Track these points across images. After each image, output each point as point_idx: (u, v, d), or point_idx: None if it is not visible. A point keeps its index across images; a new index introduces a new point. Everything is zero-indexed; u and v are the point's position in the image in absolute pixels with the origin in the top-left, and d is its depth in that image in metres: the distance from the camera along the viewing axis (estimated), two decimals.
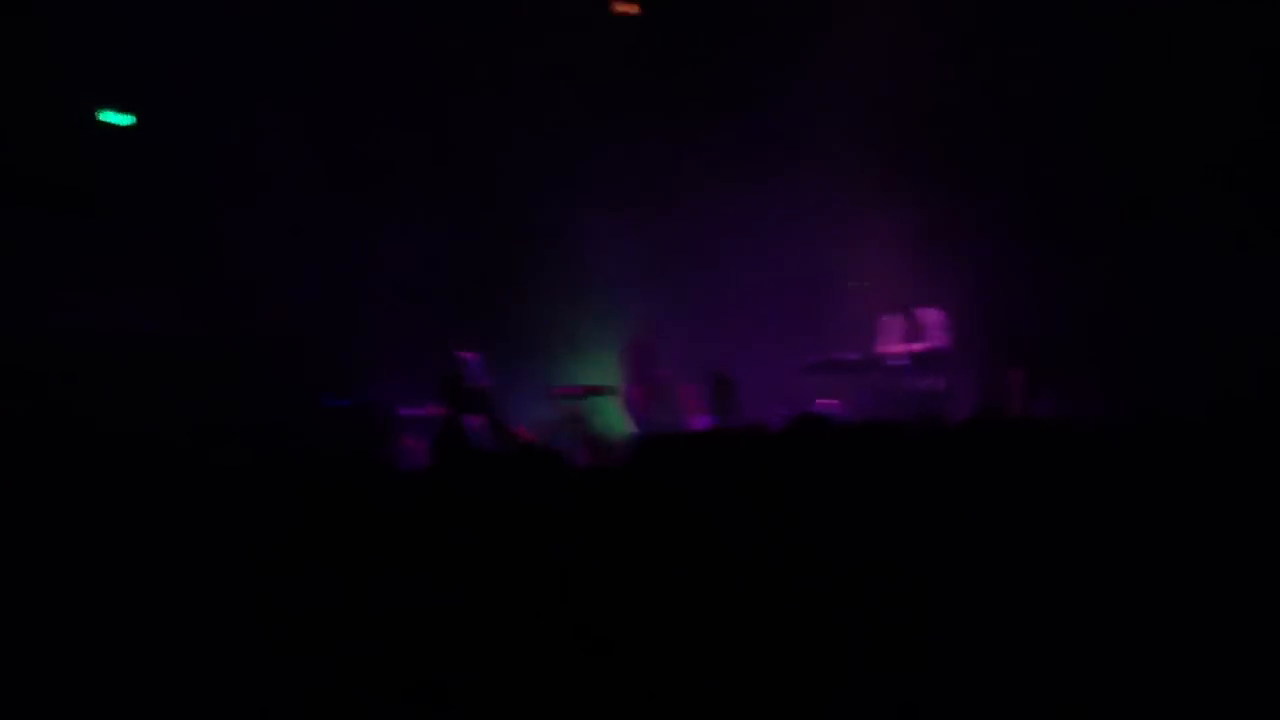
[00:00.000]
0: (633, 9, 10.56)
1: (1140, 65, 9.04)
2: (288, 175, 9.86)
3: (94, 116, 9.39)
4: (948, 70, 9.75)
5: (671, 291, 10.63)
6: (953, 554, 3.35)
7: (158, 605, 2.91)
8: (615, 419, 10.06)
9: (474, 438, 8.92)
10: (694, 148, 10.47)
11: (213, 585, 2.98)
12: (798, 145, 10.17)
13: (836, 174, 9.95)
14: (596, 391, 10.20)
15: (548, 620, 2.88)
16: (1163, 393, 8.10)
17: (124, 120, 9.41)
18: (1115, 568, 3.20)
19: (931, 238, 9.74)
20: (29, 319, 8.74)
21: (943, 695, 2.83)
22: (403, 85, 10.28)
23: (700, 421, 9.30)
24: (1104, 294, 9.17)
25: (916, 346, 9.15)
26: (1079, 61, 9.30)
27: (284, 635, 2.83)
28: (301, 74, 9.86)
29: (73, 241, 9.21)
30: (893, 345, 9.32)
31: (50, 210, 9.05)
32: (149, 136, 9.54)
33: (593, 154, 10.71)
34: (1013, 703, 2.82)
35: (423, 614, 2.87)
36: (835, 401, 9.17)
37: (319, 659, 2.79)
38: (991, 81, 9.72)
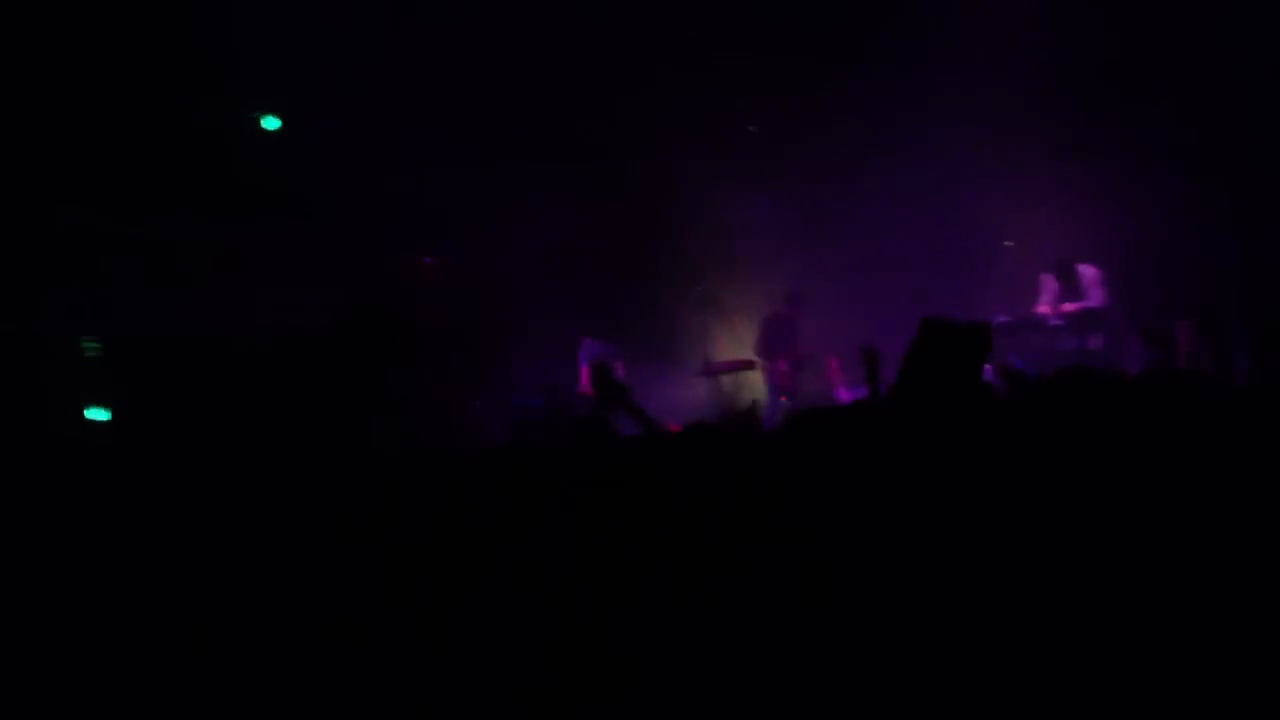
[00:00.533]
0: None
1: None
2: (437, 166, 10.10)
3: (258, 123, 9.75)
4: (1108, 23, 9.43)
5: (818, 262, 10.56)
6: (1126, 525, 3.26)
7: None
8: (762, 393, 10.08)
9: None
10: (837, 113, 10.35)
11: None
12: (946, 106, 9.94)
13: (991, 133, 9.75)
14: (746, 366, 10.22)
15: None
16: None
17: (275, 124, 9.75)
18: None
19: (1093, 193, 9.46)
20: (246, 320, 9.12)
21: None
22: (538, 67, 10.30)
23: (846, 394, 9.25)
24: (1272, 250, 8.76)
25: (1074, 305, 8.92)
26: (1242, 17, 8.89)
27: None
28: (445, 65, 10.02)
29: (267, 244, 9.61)
30: (1049, 305, 9.11)
31: (244, 216, 9.37)
32: (306, 138, 9.83)
33: (736, 124, 10.66)
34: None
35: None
36: (988, 366, 8.99)
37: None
38: (1155, 34, 9.35)
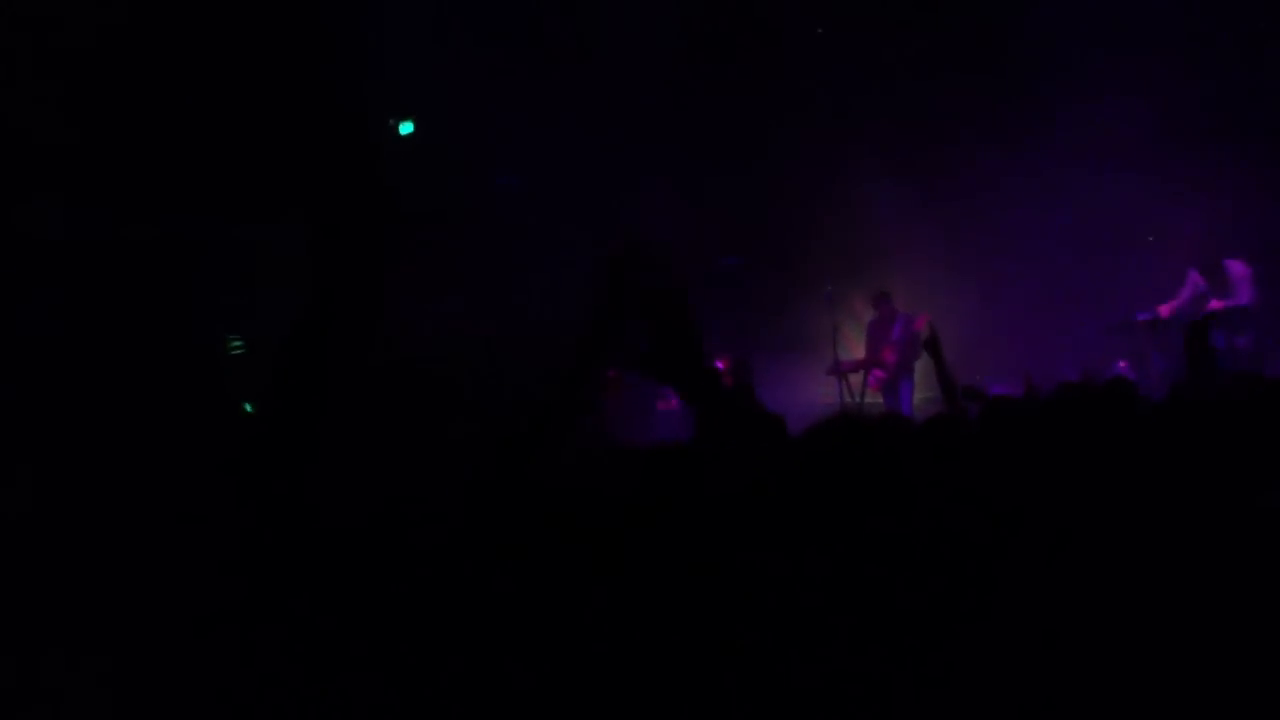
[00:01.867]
0: None
1: None
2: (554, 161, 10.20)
3: (394, 128, 10.02)
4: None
5: (952, 259, 10.42)
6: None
7: None
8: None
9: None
10: (974, 106, 10.21)
11: None
12: (1086, 96, 9.72)
13: (1133, 125, 9.47)
14: (873, 365, 10.14)
15: None
16: None
17: (408, 128, 9.99)
18: None
19: (1242, 186, 9.12)
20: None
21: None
22: (669, 58, 10.27)
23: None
24: None
25: (1221, 303, 8.60)
26: None
27: None
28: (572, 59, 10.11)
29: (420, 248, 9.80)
30: (1192, 302, 8.81)
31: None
32: (432, 142, 10.01)
33: (869, 119, 10.56)
34: None
35: None
36: (1124, 363, 8.77)
37: None
38: None
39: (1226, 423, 3.64)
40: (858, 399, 9.98)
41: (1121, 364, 8.75)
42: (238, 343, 8.43)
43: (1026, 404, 4.49)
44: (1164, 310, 8.86)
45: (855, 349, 10.54)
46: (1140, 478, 3.32)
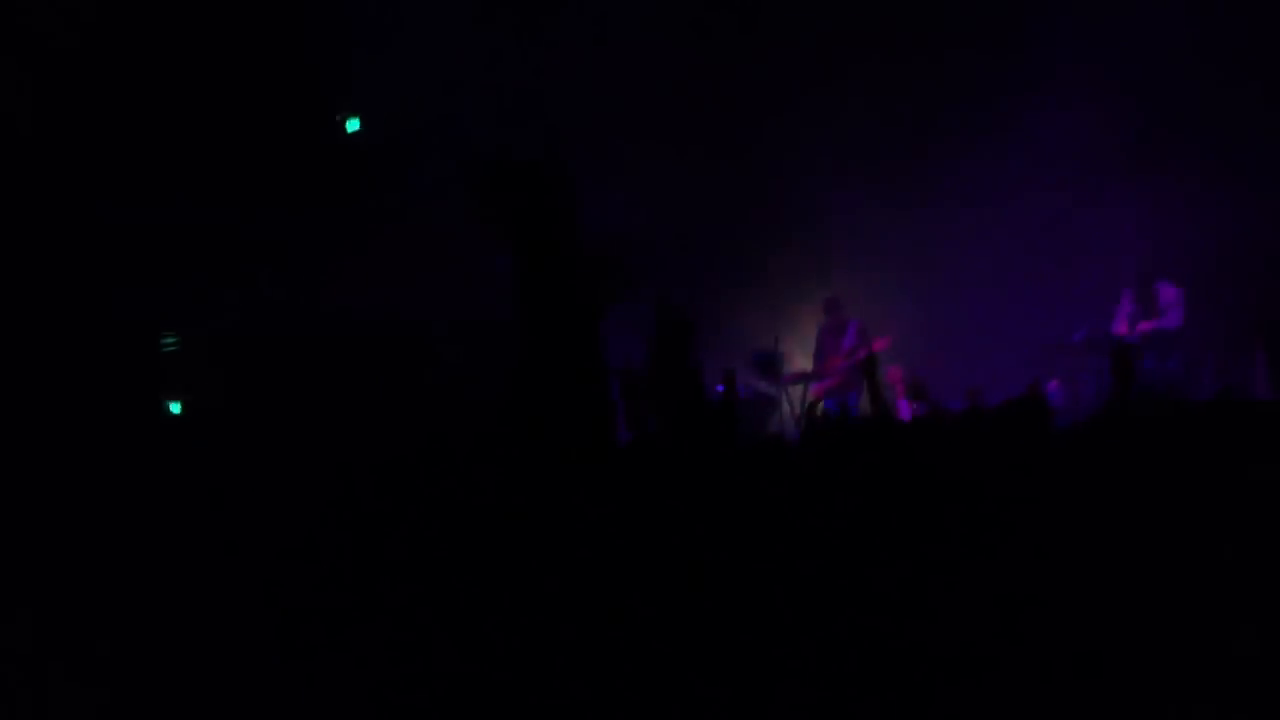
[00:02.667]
0: None
1: None
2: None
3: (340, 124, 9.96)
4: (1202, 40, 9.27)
5: (907, 276, 10.54)
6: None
7: None
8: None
9: None
10: (927, 123, 10.37)
11: None
12: (1038, 121, 9.90)
13: (1077, 148, 9.73)
14: (813, 377, 10.19)
15: None
16: None
17: (354, 126, 9.92)
18: None
19: (1175, 212, 9.32)
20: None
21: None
22: (622, 63, 10.31)
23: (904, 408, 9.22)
24: None
25: (1150, 325, 8.79)
26: None
27: None
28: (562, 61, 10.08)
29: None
30: (1127, 323, 9.00)
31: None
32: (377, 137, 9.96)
33: (829, 131, 10.61)
34: None
35: None
36: (1055, 383, 8.92)
37: None
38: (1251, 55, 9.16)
39: (1136, 441, 3.78)
40: (801, 410, 10.03)
41: (1053, 384, 8.90)
42: (171, 339, 8.35)
43: (965, 417, 4.61)
44: (1117, 327, 9.01)
45: (797, 362, 10.59)
46: (1049, 488, 3.45)
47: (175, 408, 7.92)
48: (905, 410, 8.69)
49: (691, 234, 10.86)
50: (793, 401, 10.14)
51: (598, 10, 10.06)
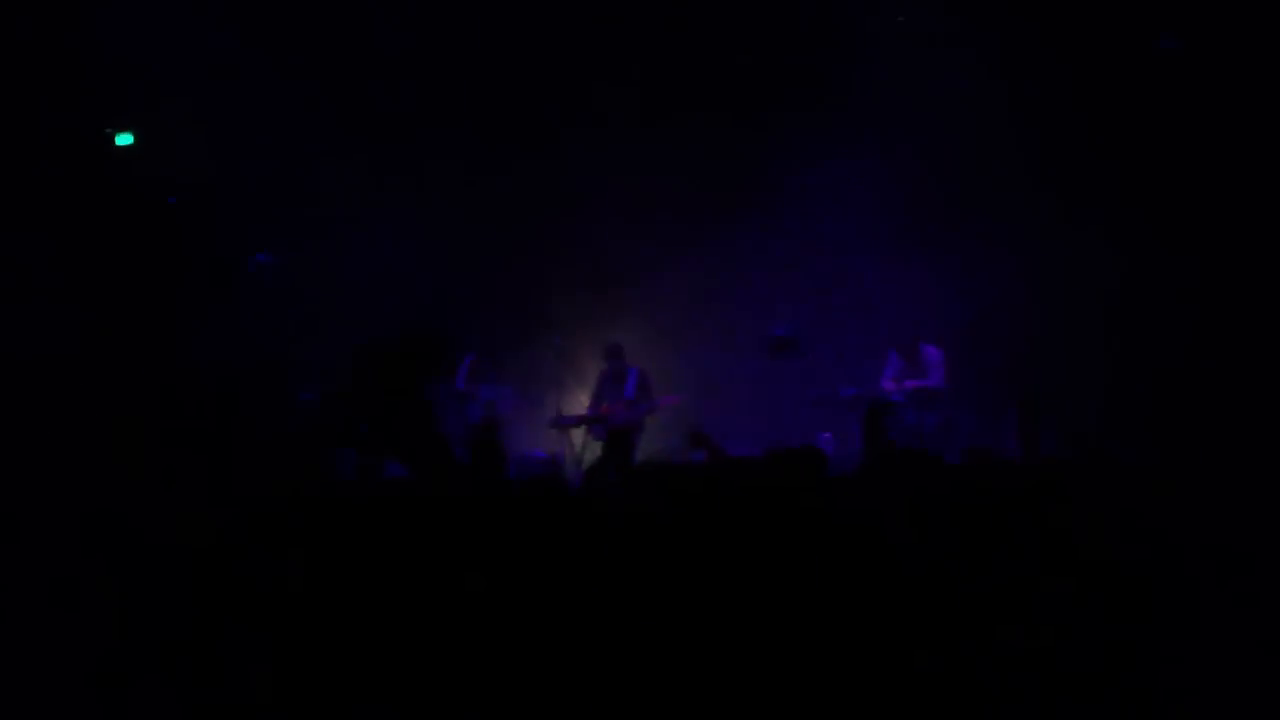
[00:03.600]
0: None
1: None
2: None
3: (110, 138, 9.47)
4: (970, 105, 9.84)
5: (690, 323, 10.74)
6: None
7: None
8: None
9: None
10: (715, 173, 10.59)
11: None
12: (821, 182, 10.35)
13: (855, 214, 10.16)
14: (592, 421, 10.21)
15: None
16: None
17: (127, 140, 9.46)
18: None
19: (942, 278, 9.84)
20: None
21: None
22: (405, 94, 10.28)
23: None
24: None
25: (914, 383, 9.22)
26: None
27: None
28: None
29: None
30: (892, 380, 9.41)
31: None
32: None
33: (611, 176, 10.73)
34: None
35: None
36: (828, 434, 9.25)
37: None
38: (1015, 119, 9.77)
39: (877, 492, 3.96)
40: (580, 454, 10.04)
41: (825, 436, 9.21)
42: None
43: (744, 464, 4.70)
44: (884, 384, 9.38)
45: (577, 404, 10.60)
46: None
47: None
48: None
49: (481, 279, 10.78)
50: (573, 444, 10.14)
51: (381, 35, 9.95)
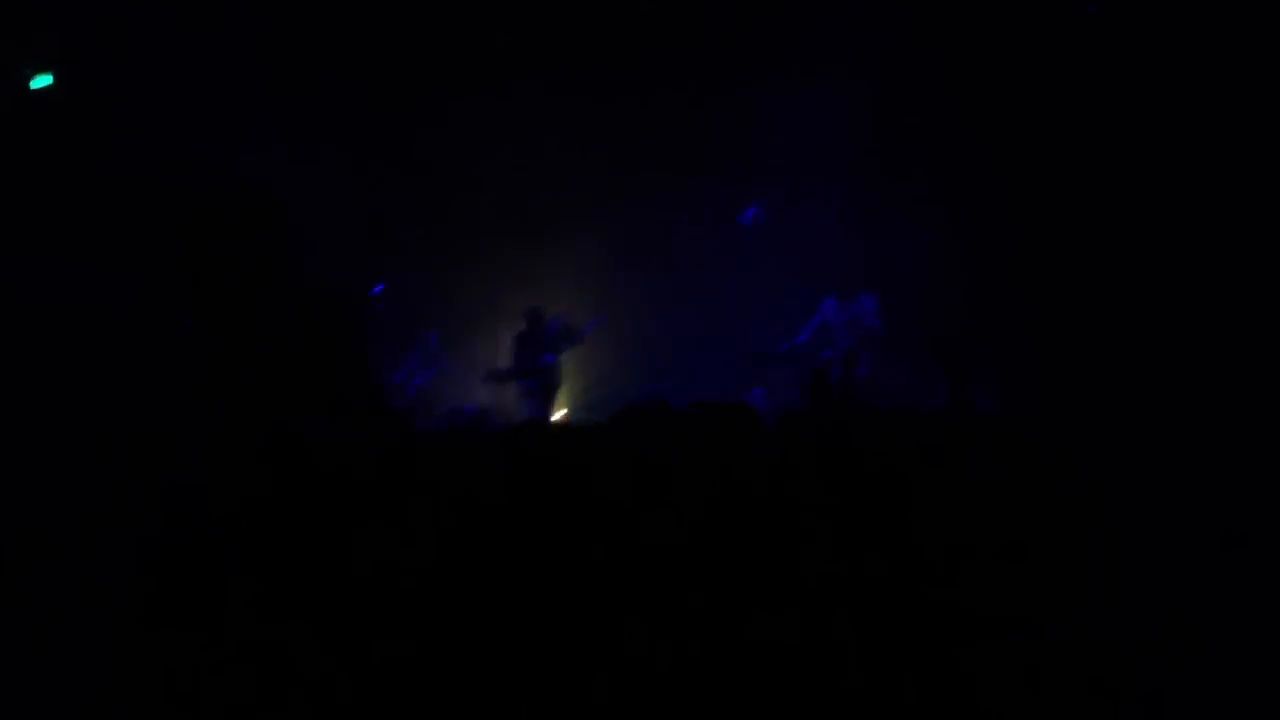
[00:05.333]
0: None
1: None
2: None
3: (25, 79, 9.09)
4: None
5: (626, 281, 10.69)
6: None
7: None
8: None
9: None
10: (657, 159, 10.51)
11: None
12: (757, 133, 10.28)
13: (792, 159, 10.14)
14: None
15: None
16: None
17: (45, 81, 9.06)
18: None
19: (872, 224, 9.88)
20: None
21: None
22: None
23: None
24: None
25: (850, 337, 9.26)
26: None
27: None
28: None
29: None
30: (830, 333, 9.42)
31: None
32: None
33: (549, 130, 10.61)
34: None
35: None
36: (759, 390, 9.29)
37: None
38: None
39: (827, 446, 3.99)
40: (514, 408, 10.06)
41: (758, 391, 9.25)
42: None
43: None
44: (799, 341, 9.40)
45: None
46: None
47: None
48: None
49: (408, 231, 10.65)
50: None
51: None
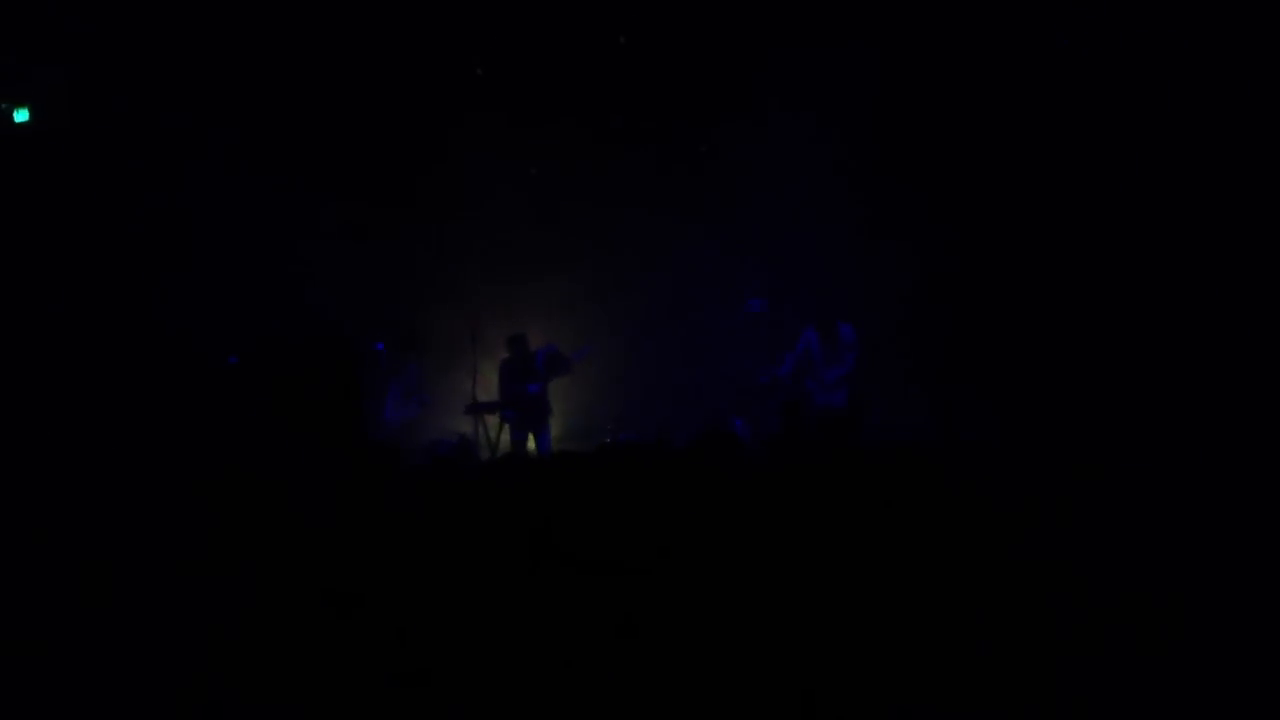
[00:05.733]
0: None
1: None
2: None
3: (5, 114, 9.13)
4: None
5: (606, 310, 10.70)
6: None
7: None
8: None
9: None
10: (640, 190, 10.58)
11: None
12: (738, 167, 10.33)
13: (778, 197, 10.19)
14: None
15: None
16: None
17: (23, 116, 9.10)
18: None
19: (855, 255, 9.93)
20: None
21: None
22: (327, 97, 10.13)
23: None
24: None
25: (833, 374, 9.23)
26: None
27: None
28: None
29: None
30: (809, 366, 9.41)
31: None
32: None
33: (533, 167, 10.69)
34: None
35: None
36: (739, 420, 9.28)
37: None
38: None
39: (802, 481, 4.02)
40: (494, 438, 10.01)
41: (738, 421, 9.24)
42: None
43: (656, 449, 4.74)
44: (782, 372, 9.39)
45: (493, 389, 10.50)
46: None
47: None
48: None
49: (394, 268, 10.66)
50: (487, 429, 10.12)
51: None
